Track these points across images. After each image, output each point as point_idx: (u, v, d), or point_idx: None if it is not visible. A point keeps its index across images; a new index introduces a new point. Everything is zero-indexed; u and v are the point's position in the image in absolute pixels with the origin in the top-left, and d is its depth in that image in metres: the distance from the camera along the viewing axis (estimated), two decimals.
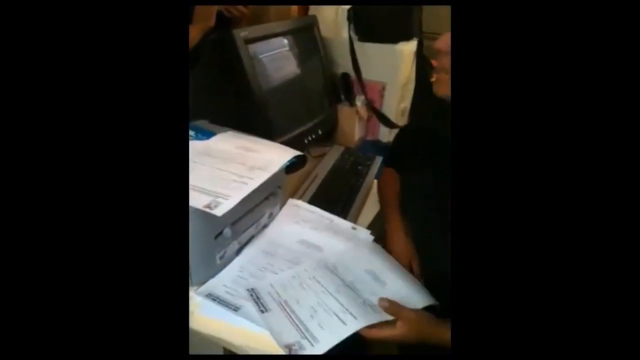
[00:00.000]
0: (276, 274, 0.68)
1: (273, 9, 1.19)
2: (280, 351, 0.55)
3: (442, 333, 0.60)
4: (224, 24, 0.95)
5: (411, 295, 0.66)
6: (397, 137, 0.99)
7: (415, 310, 0.62)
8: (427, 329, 0.61)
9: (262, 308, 0.61)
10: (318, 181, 0.97)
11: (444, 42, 0.61)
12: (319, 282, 0.65)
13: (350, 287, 0.65)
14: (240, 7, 0.99)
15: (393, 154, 0.95)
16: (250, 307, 0.61)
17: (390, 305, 0.60)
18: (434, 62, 0.65)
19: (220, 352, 0.62)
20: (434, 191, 0.75)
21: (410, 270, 0.73)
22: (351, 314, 0.59)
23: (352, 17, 1.15)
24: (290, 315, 0.60)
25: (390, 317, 0.59)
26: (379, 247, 0.77)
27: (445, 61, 0.62)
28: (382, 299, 0.61)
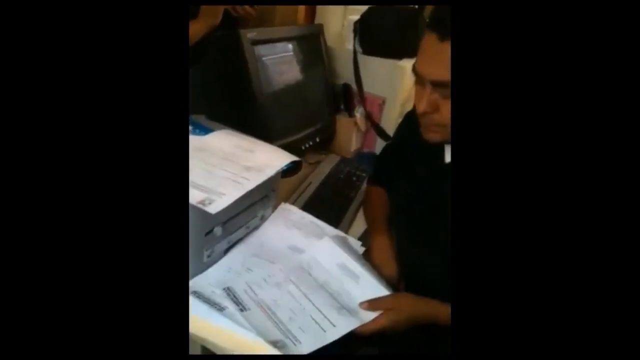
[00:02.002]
0: (252, 271, 0.67)
1: (279, 12, 1.19)
2: (264, 350, 0.55)
3: (426, 307, 0.64)
4: (230, 23, 0.95)
5: (382, 287, 0.67)
6: (381, 154, 0.99)
7: (395, 295, 0.65)
8: (412, 307, 0.64)
9: (241, 307, 0.60)
10: (312, 188, 0.97)
11: (421, 106, 0.63)
12: (294, 284, 0.66)
13: (325, 289, 0.66)
14: (247, 8, 0.99)
15: (378, 172, 0.95)
16: (235, 308, 0.60)
17: (371, 304, 0.63)
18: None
19: (198, 352, 0.60)
20: (418, 203, 0.76)
21: (395, 288, 0.73)
22: (329, 321, 0.60)
23: (358, 30, 1.16)
24: (270, 316, 0.60)
25: (367, 319, 0.61)
26: (348, 242, 0.77)
27: (430, 120, 0.65)
28: (361, 303, 0.63)
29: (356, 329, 0.60)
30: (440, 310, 0.64)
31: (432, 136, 0.68)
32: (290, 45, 1.04)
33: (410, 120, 0.85)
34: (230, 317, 0.58)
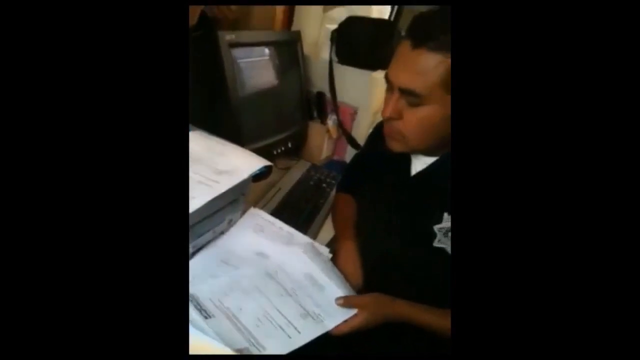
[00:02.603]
0: (217, 277, 0.66)
1: (256, 15, 1.18)
2: None
3: (400, 307, 0.66)
4: (206, 23, 0.94)
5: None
6: (351, 162, 1.01)
7: (369, 295, 0.67)
8: (386, 307, 0.66)
9: (205, 314, 0.59)
10: (281, 194, 0.97)
11: (386, 111, 0.65)
12: (260, 290, 0.65)
13: (290, 296, 0.65)
14: (224, 9, 0.98)
15: (347, 179, 0.97)
16: (199, 315, 0.59)
17: (346, 300, 0.64)
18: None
19: None
20: (384, 212, 0.77)
21: (359, 293, 0.74)
22: (295, 327, 0.60)
23: (335, 39, 1.17)
24: (235, 323, 0.59)
25: (332, 326, 0.61)
26: (316, 250, 0.77)
27: (393, 127, 0.67)
28: (338, 298, 0.65)
29: (331, 330, 0.61)
30: (411, 310, 0.67)
31: (394, 145, 0.69)
32: (266, 50, 1.03)
33: (380, 130, 0.86)
34: (194, 325, 0.57)
